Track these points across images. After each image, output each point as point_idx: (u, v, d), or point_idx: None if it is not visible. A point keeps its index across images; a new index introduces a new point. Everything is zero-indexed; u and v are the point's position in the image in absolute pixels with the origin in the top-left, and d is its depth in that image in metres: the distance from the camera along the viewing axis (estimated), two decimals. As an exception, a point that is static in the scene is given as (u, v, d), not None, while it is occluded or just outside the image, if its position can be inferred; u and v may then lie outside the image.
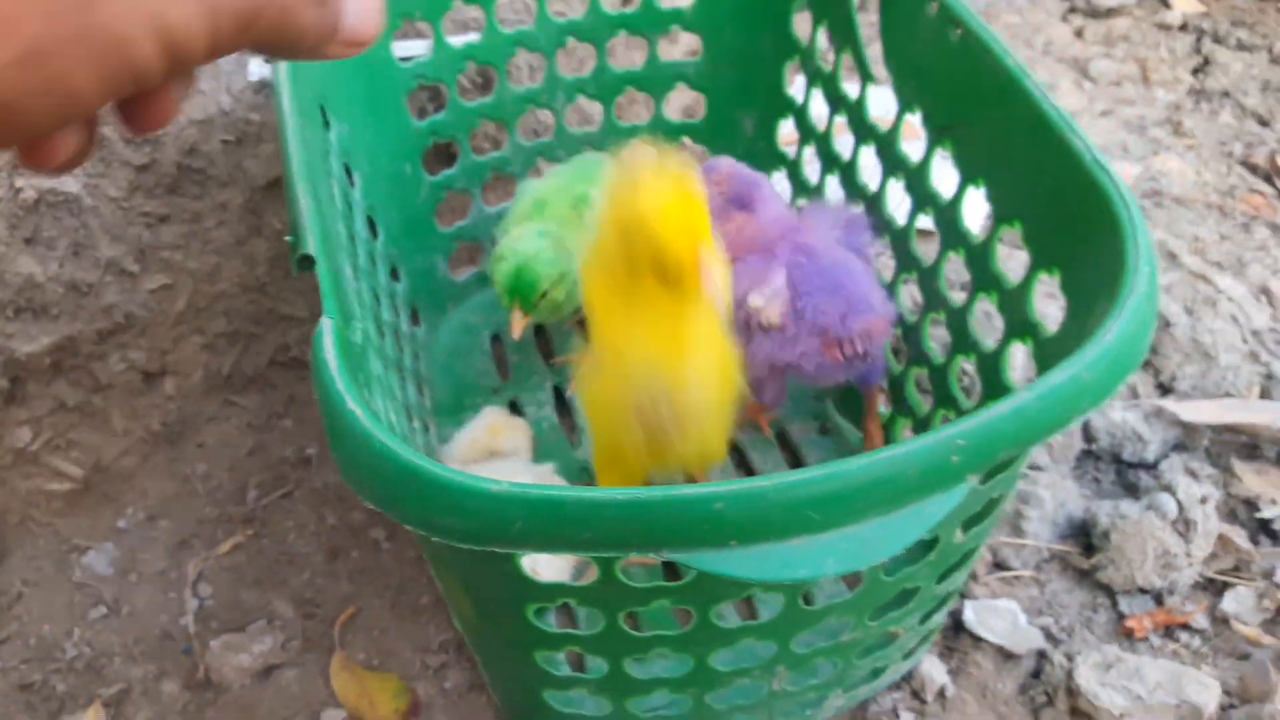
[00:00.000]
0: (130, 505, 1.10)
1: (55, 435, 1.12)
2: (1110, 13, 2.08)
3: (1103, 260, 0.70)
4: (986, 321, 1.06)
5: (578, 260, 0.99)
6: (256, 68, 0.98)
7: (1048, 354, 0.80)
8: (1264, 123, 1.78)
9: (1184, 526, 0.99)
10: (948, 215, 0.94)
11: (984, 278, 0.89)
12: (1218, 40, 1.98)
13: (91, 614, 1.03)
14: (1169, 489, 1.01)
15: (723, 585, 0.64)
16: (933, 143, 0.95)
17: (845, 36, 1.06)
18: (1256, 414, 1.11)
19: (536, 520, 0.56)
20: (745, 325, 0.95)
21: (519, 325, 1.03)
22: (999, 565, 1.02)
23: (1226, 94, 1.85)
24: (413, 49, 1.17)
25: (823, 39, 1.13)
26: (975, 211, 0.96)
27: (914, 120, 0.98)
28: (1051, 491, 1.04)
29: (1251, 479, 1.06)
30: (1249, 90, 1.85)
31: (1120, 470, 1.10)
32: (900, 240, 1.03)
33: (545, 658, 0.77)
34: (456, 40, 1.18)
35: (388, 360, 0.99)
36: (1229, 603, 0.97)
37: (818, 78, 1.14)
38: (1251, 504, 1.05)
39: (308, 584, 1.03)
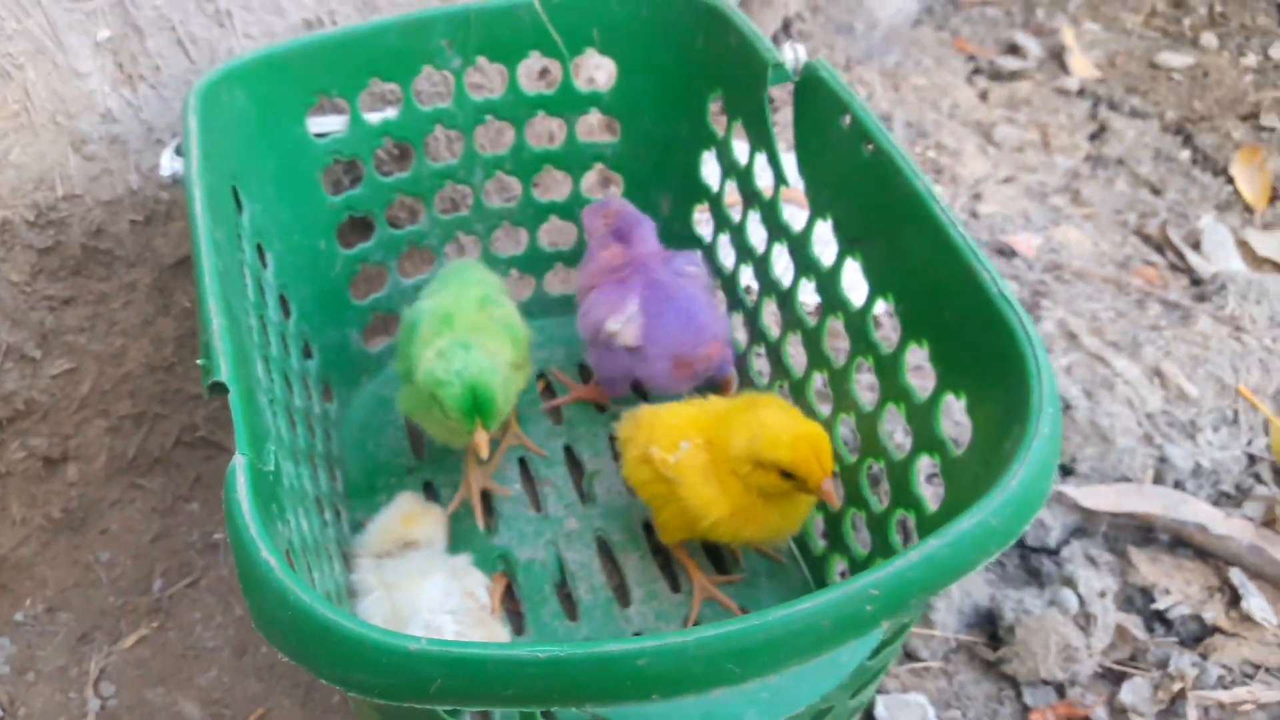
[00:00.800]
0: (28, 597, 1.06)
1: (-53, 525, 1.08)
2: (1013, 76, 2.15)
3: (1007, 394, 0.72)
4: (894, 424, 1.08)
5: (500, 361, 1.02)
6: (168, 161, 0.95)
7: (954, 471, 0.82)
8: (1156, 191, 1.86)
9: (1085, 620, 1.03)
10: (857, 323, 0.96)
11: (893, 389, 0.91)
12: (1113, 107, 2.07)
13: (-16, 720, 0.99)
14: (1070, 582, 1.05)
15: (643, 731, 0.64)
16: (843, 252, 0.97)
17: (760, 137, 1.08)
18: (1150, 501, 1.16)
19: (456, 679, 0.56)
20: (606, 344, 1.13)
21: (485, 444, 0.98)
22: (909, 656, 1.04)
23: (1121, 161, 1.93)
24: (328, 125, 1.16)
25: (738, 133, 1.15)
26: (885, 322, 0.98)
27: (824, 226, 1.00)
28: (959, 583, 1.07)
29: (1146, 567, 1.11)
30: (1142, 158, 1.93)
31: (1024, 555, 1.14)
32: (812, 338, 1.05)
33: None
34: (374, 116, 1.17)
35: (299, 454, 0.97)
36: (1126, 694, 1.01)
37: (732, 170, 1.16)
38: (1147, 593, 1.09)
39: (215, 682, 1.01)
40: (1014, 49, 2.25)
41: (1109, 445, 1.23)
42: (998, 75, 2.17)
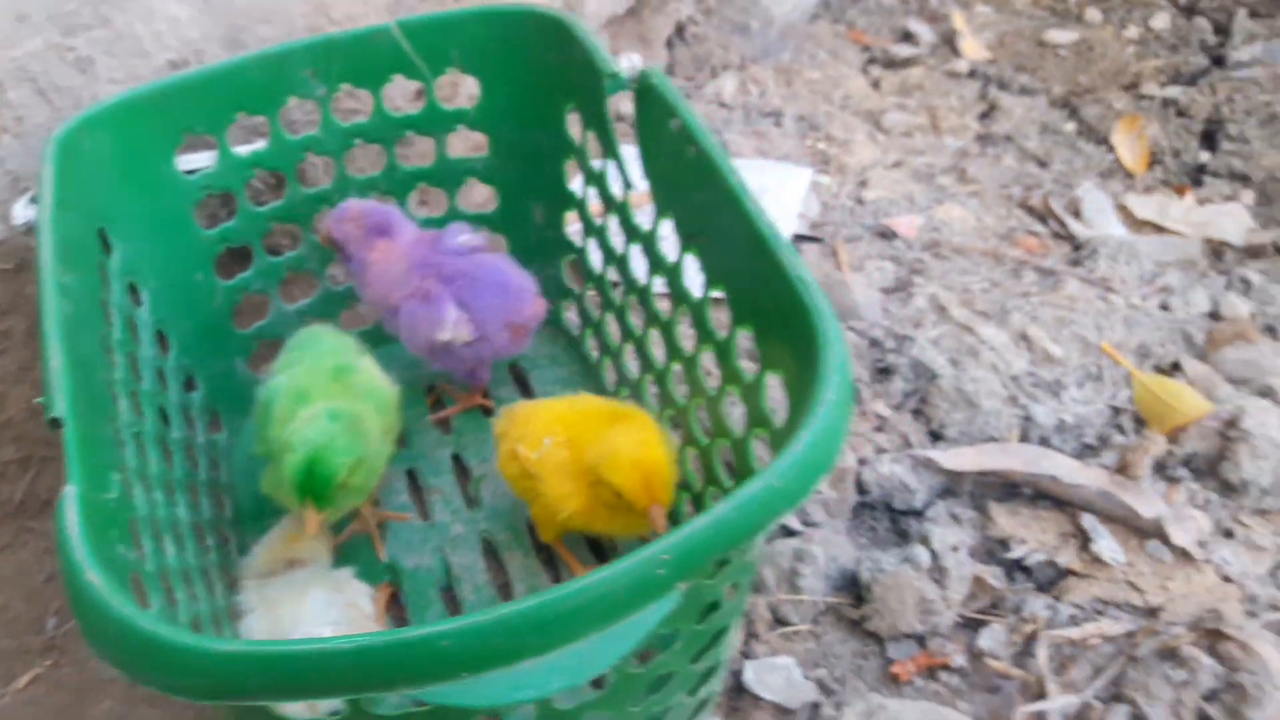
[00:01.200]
0: (-78, 646, 1.09)
1: None
2: (906, 63, 2.21)
3: (808, 367, 0.77)
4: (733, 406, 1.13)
5: (372, 435, 1.01)
6: (21, 210, 0.98)
7: (778, 443, 0.87)
8: (1042, 164, 1.92)
9: (939, 574, 1.08)
10: (698, 314, 1.01)
11: (730, 373, 0.96)
12: (1002, 86, 2.13)
13: (-123, 770, 1.01)
14: (924, 539, 1.11)
15: (465, 711, 0.68)
16: (683, 248, 1.02)
17: (607, 144, 1.13)
18: (1011, 458, 1.21)
19: (270, 675, 0.60)
20: (446, 350, 1.17)
21: (314, 522, 0.95)
22: (780, 621, 1.09)
23: (1009, 138, 1.99)
24: (198, 161, 1.19)
25: (593, 142, 1.19)
26: (721, 311, 1.04)
27: (668, 225, 1.05)
28: (824, 547, 1.12)
29: (1005, 520, 1.16)
30: (1029, 134, 1.99)
31: (894, 518, 1.19)
32: (667, 331, 1.10)
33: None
34: (243, 149, 1.20)
35: (173, 484, 1.01)
36: (984, 639, 1.06)
37: (591, 178, 1.21)
38: (1005, 544, 1.15)
39: (109, 713, 1.03)
40: (907, 36, 2.29)
41: (975, 409, 1.29)
42: (891, 63, 2.21)
